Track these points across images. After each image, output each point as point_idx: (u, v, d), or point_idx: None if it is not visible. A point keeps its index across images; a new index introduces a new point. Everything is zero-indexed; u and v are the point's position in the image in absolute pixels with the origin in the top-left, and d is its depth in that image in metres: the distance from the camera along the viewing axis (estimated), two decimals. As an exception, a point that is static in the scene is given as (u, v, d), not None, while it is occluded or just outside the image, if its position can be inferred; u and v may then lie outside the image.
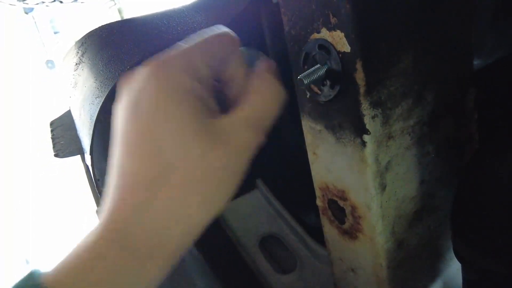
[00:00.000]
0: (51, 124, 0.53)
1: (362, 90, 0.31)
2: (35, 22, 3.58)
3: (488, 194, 0.33)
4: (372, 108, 0.32)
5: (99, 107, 0.34)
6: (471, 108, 0.42)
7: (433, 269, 0.45)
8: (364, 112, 0.32)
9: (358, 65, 0.30)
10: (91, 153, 0.33)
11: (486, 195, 0.33)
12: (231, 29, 0.31)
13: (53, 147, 0.48)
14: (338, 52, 0.31)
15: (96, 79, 0.36)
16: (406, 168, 0.36)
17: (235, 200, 0.81)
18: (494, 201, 0.32)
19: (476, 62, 0.49)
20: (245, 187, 0.83)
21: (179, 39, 0.29)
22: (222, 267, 0.66)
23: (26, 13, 3.44)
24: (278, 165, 0.83)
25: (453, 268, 0.47)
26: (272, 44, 0.61)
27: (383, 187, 0.35)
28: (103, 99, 0.34)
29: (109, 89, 0.34)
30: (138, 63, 0.36)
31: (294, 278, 0.66)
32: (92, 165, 0.34)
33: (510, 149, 0.32)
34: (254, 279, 0.67)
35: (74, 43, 0.45)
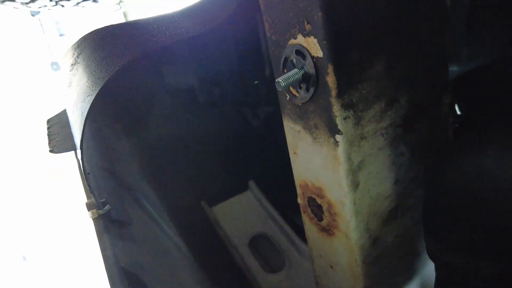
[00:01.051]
0: (48, 121, 0.55)
1: (334, 92, 0.33)
2: (41, 24, 3.65)
3: (452, 191, 0.34)
4: (343, 110, 0.34)
5: (90, 104, 0.36)
6: (446, 112, 0.44)
7: (410, 268, 0.47)
8: (336, 114, 0.34)
9: (330, 69, 0.32)
10: (81, 148, 0.35)
11: (450, 192, 0.35)
12: (228, 33, 0.33)
13: (49, 143, 0.50)
14: (312, 57, 0.33)
15: (88, 79, 0.38)
16: (380, 168, 0.38)
17: (228, 200, 0.83)
18: (458, 198, 0.34)
19: (454, 68, 0.51)
20: (238, 188, 0.85)
21: (167, 43, 0.31)
22: (212, 265, 0.68)
23: (33, 15, 3.51)
24: (270, 167, 0.85)
25: (430, 268, 0.48)
26: (267, 47, 0.64)
27: (356, 184, 0.37)
28: (93, 97, 0.36)
29: (99, 87, 0.36)
30: (128, 64, 0.38)
31: (282, 277, 0.67)
32: (82, 159, 0.36)
33: (473, 149, 0.34)
34: (243, 277, 0.68)
35: (71, 45, 0.47)
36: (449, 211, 0.35)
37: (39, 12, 3.55)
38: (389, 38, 0.35)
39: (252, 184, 0.84)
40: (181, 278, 0.53)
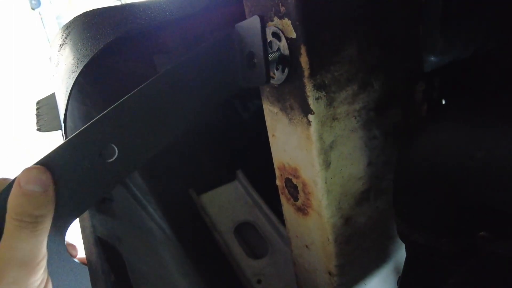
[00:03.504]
0: (38, 102, 0.57)
1: (306, 73, 0.35)
2: (41, 18, 3.66)
3: (413, 169, 0.36)
4: (316, 90, 0.35)
5: (74, 80, 0.37)
6: (420, 100, 0.46)
7: (384, 251, 0.49)
8: (309, 94, 0.35)
9: (303, 50, 0.34)
10: (64, 122, 0.36)
11: (411, 171, 0.36)
12: (220, 21, 0.32)
13: (37, 123, 0.51)
14: (287, 38, 0.35)
15: (74, 57, 0.40)
16: (352, 149, 0.40)
17: (215, 189, 0.84)
18: (418, 175, 0.36)
19: (432, 59, 0.53)
20: (226, 177, 0.86)
21: (151, 24, 0.32)
22: (196, 249, 0.69)
23: (33, 9, 3.51)
24: (258, 157, 0.87)
25: (404, 253, 0.50)
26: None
27: (327, 164, 0.38)
28: (77, 73, 0.37)
29: (84, 64, 0.37)
30: (112, 42, 0.39)
31: (265, 262, 0.69)
32: (65, 133, 0.37)
33: (430, 126, 0.35)
34: (227, 262, 0.70)
35: (61, 27, 0.49)
36: (411, 189, 0.36)
37: (39, 5, 3.56)
38: (362, 23, 0.37)
39: (240, 173, 0.86)
40: (162, 258, 0.54)
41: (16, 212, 0.27)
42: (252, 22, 0.35)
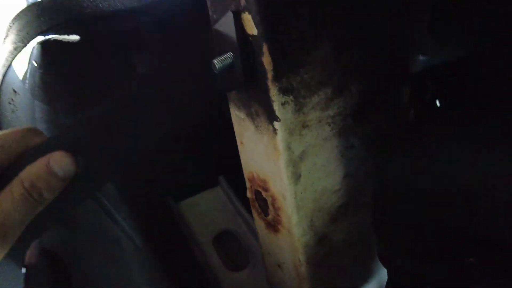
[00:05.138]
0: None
1: (270, 75, 0.30)
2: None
3: (395, 190, 0.32)
4: (281, 95, 0.31)
5: (6, 67, 0.34)
6: (405, 104, 0.41)
7: (365, 269, 0.44)
8: (273, 98, 0.31)
9: (265, 49, 0.30)
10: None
11: (394, 192, 0.32)
12: (197, 17, 0.32)
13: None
14: (248, 35, 0.31)
15: (11, 46, 0.36)
16: (326, 160, 0.36)
17: (195, 196, 0.80)
18: (401, 198, 0.31)
19: (421, 58, 0.49)
20: (207, 183, 0.82)
21: (94, 11, 0.29)
22: (171, 261, 0.65)
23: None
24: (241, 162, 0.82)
25: (388, 269, 0.46)
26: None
27: (297, 176, 0.34)
28: (12, 60, 0.34)
29: (19, 51, 0.34)
30: (57, 25, 0.36)
31: (245, 275, 0.65)
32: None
33: (412, 141, 0.31)
34: (203, 275, 0.65)
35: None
36: (391, 210, 0.32)
37: (33, 3, 3.51)
38: (338, 20, 0.33)
39: (222, 179, 0.81)
40: (129, 270, 0.50)
41: (32, 183, 0.27)
42: (226, 20, 0.31)
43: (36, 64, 0.58)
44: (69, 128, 0.30)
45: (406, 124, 0.41)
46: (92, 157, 0.30)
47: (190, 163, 0.83)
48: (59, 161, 0.28)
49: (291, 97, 0.32)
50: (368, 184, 0.40)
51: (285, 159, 0.33)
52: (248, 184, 0.42)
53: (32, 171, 0.27)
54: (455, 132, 0.32)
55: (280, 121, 0.32)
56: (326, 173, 0.36)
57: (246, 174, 0.41)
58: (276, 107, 0.31)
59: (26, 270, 0.30)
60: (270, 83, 0.31)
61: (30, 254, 0.31)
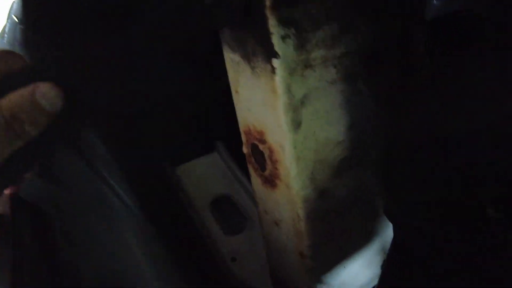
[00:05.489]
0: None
1: (268, 2, 0.26)
2: None
3: (410, 139, 0.28)
4: (281, 26, 0.27)
5: None
6: (421, 52, 0.37)
7: (368, 228, 0.42)
8: (272, 30, 0.27)
9: (262, -31, 0.25)
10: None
11: (409, 141, 0.29)
12: None
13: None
14: (243, -46, 0.26)
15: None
16: (330, 106, 0.32)
17: (192, 161, 0.78)
18: (415, 147, 0.28)
19: (434, 2, 0.44)
20: (204, 148, 0.79)
21: None
22: (167, 227, 0.63)
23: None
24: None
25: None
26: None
27: (297, 124, 0.31)
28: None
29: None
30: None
31: (241, 239, 0.63)
32: None
33: (424, 95, 0.28)
34: (201, 240, 0.64)
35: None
36: (406, 164, 0.29)
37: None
38: None
39: (219, 144, 0.79)
40: (122, 236, 0.48)
41: (13, 113, 0.23)
42: None
43: (16, 19, 0.54)
44: (55, 58, 0.26)
45: (422, 73, 0.37)
46: (77, 96, 0.27)
47: (187, 128, 0.79)
48: (46, 93, 0.24)
49: (293, 29, 0.28)
50: (377, 136, 0.37)
51: (284, 103, 0.29)
52: (244, 139, 0.38)
53: (14, 100, 0.24)
54: (477, 74, 0.28)
55: (279, 58, 0.28)
56: (329, 121, 0.32)
57: (242, 128, 0.38)
58: (275, 40, 0.27)
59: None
60: (268, 12, 0.27)
61: (2, 202, 0.28)
